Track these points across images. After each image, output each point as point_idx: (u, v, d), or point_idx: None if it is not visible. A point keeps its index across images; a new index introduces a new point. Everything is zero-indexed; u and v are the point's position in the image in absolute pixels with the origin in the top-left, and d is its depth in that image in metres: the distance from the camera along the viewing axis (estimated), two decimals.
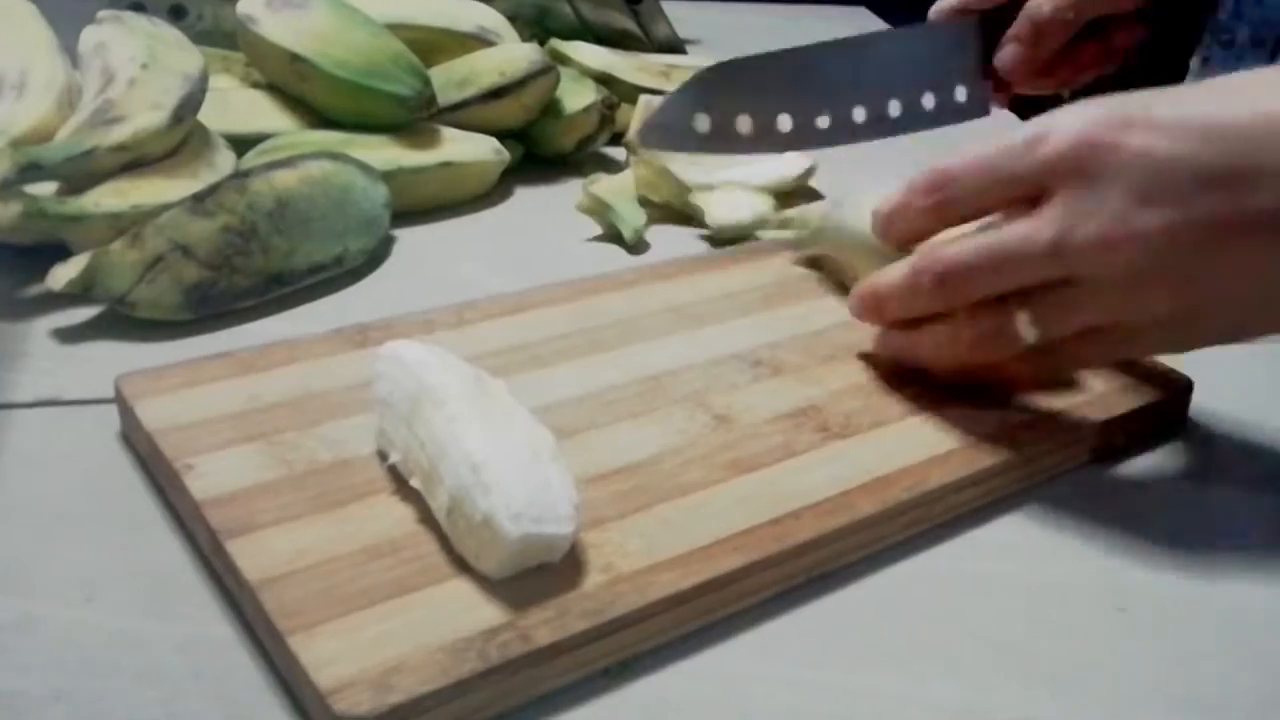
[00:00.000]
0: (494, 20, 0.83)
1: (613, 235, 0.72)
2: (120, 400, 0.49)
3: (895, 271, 0.51)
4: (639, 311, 0.58)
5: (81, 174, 0.61)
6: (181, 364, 0.50)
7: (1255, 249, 0.44)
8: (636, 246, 0.70)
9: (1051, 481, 0.50)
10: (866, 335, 0.56)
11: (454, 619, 0.38)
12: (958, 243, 0.48)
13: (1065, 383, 0.53)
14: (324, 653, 0.36)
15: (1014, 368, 0.51)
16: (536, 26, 0.94)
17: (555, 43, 0.87)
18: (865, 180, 0.81)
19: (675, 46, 1.01)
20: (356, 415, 0.47)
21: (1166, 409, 0.54)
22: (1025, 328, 0.47)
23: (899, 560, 0.45)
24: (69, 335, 0.57)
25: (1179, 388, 0.55)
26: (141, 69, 0.64)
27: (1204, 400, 0.56)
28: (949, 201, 0.49)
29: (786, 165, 0.80)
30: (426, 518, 0.42)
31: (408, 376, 0.43)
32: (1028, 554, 0.47)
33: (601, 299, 0.59)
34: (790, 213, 0.76)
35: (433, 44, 0.80)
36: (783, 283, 0.63)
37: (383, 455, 0.45)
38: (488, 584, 0.39)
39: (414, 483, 0.42)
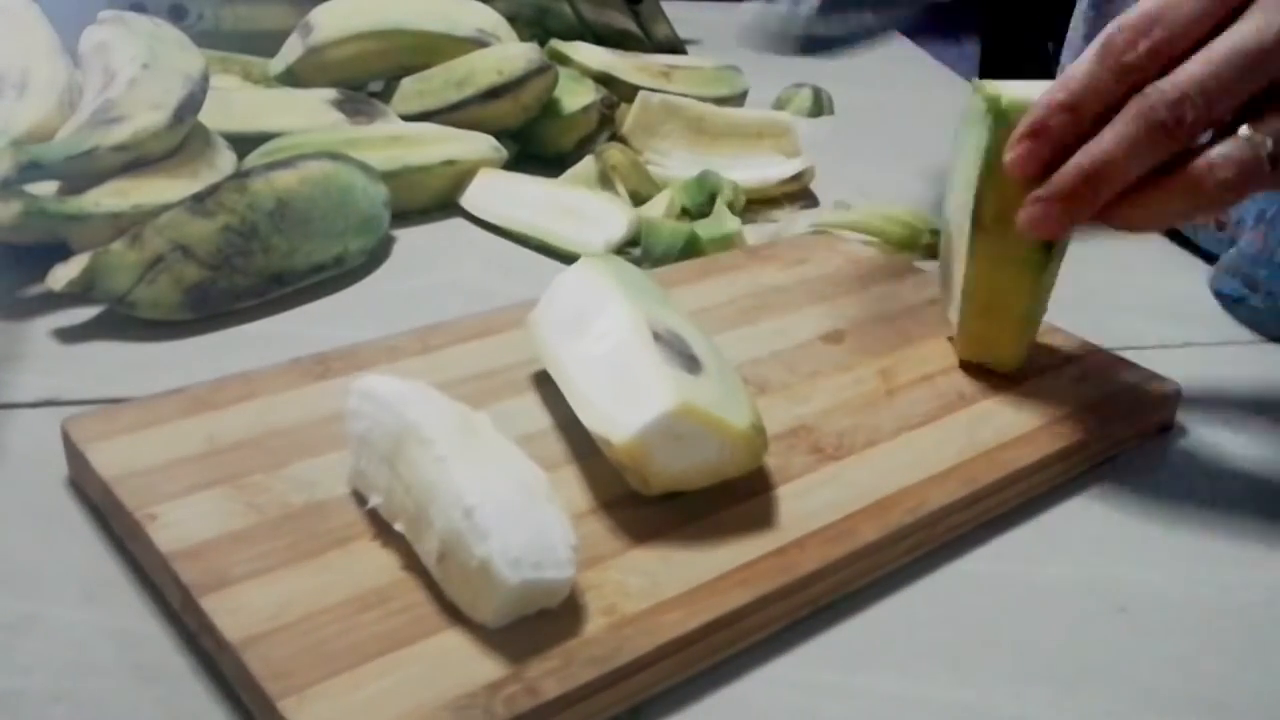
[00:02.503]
0: (493, 22, 0.81)
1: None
2: (68, 445, 0.44)
3: (1112, 132, 0.43)
4: None
5: (82, 173, 0.59)
6: (132, 403, 0.46)
7: None
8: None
9: (1050, 489, 0.49)
10: (849, 351, 0.54)
11: (453, 673, 0.34)
12: (1178, 72, 0.42)
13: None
14: (318, 717, 0.32)
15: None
16: (536, 27, 0.92)
17: (555, 43, 0.85)
18: (862, 185, 0.79)
19: (675, 46, 0.99)
20: (325, 453, 0.43)
21: (1157, 414, 0.53)
22: (1265, 145, 0.42)
23: (903, 574, 0.44)
24: (69, 335, 0.56)
25: (1168, 393, 0.53)
26: (142, 69, 0.63)
27: (1196, 401, 0.55)
28: (1165, 41, 0.42)
29: (770, 169, 0.76)
30: (412, 564, 0.38)
31: (388, 413, 0.39)
32: (1028, 554, 0.45)
33: None
34: (799, 215, 0.73)
35: (432, 48, 0.78)
36: (758, 294, 0.59)
37: (360, 497, 0.41)
38: (484, 633, 0.35)
39: (398, 527, 0.38)
